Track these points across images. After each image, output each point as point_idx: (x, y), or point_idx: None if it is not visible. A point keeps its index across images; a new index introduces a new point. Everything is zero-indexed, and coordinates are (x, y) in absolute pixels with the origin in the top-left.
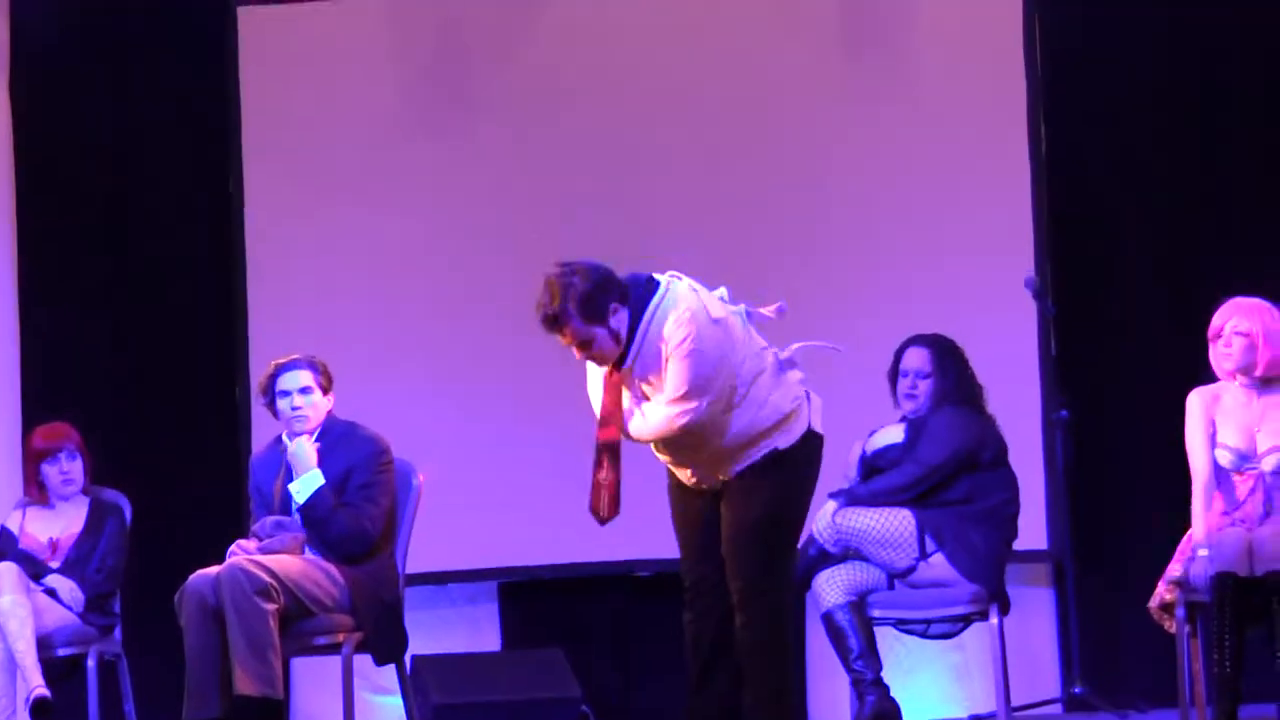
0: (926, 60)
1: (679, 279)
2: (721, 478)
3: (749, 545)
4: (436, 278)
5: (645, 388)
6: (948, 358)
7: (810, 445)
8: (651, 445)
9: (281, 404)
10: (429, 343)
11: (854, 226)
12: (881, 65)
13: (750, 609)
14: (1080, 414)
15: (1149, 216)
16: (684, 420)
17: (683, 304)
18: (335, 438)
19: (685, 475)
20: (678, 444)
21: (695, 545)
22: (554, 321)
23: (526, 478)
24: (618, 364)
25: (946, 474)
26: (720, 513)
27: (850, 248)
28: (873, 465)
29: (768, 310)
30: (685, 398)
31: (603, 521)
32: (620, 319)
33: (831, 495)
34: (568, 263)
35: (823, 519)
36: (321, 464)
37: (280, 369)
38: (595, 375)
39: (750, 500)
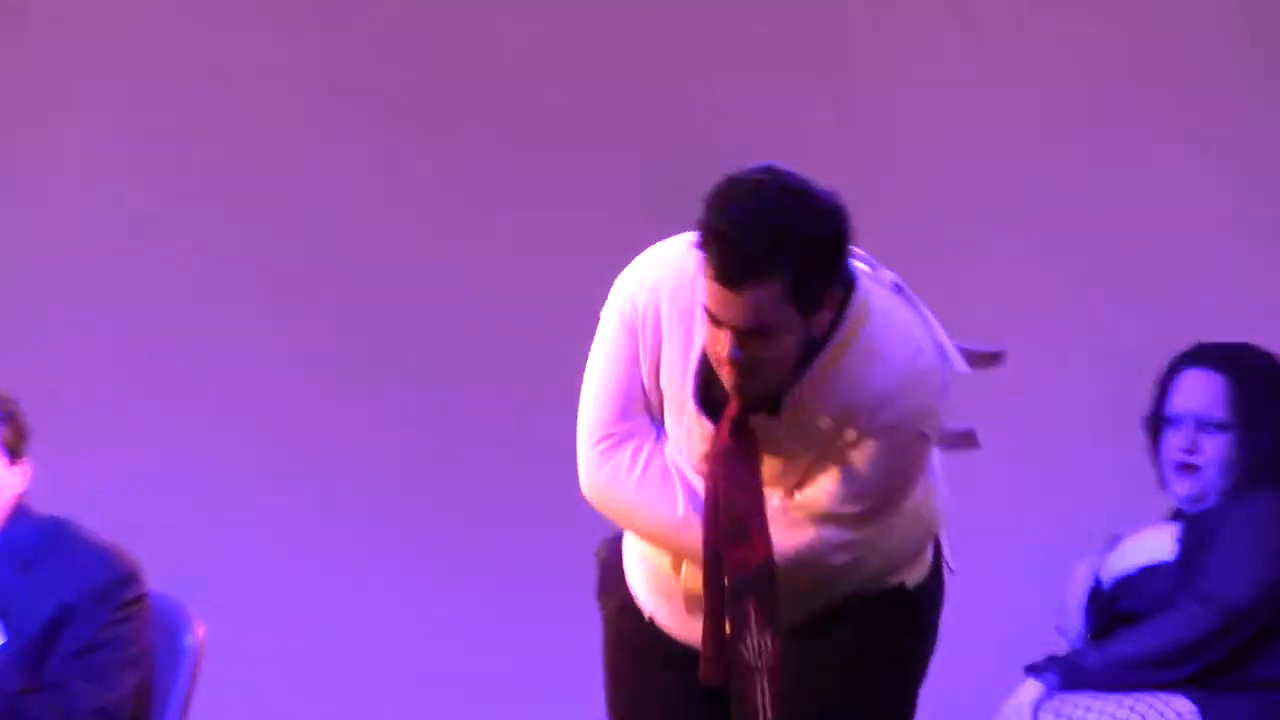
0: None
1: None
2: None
3: None
4: (211, 268)
5: (780, 462)
6: (1262, 390)
7: (941, 581)
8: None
9: None
10: (212, 365)
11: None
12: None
13: None
14: None
15: None
16: (841, 558)
17: (914, 334)
18: (28, 552)
19: (657, 606)
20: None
21: None
22: (745, 264)
23: (394, 637)
24: (758, 406)
25: (1263, 620)
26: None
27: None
28: (1115, 606)
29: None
30: (864, 517)
31: None
32: (819, 328)
33: (1032, 671)
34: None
35: (1015, 716)
36: (10, 607)
37: None
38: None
39: (841, 677)
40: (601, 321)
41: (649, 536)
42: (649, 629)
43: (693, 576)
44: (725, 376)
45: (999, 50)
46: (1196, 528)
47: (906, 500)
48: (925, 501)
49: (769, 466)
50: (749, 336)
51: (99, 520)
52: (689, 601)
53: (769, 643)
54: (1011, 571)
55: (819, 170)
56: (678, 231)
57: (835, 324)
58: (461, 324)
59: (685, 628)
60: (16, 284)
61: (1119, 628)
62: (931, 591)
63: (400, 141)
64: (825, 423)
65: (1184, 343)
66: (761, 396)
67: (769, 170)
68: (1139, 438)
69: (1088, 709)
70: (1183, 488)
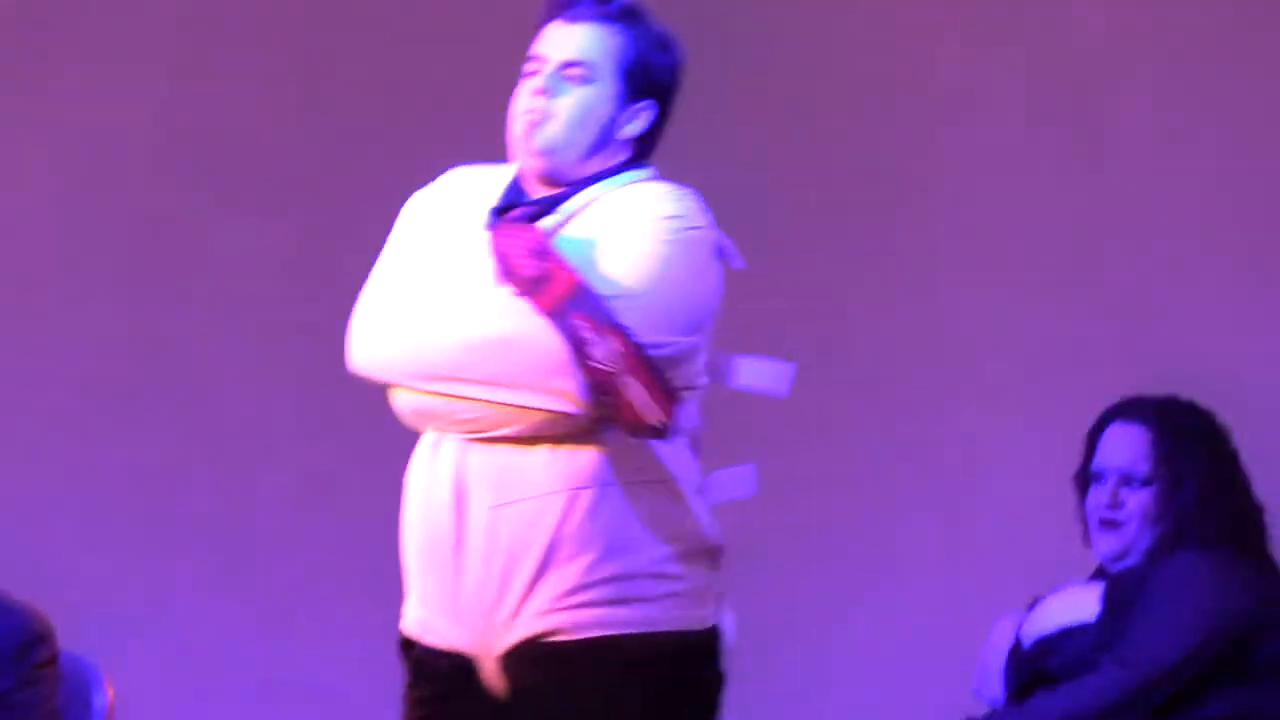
0: None
1: None
2: (506, 632)
3: None
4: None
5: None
6: (1187, 443)
7: (713, 655)
8: (427, 443)
9: None
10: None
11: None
12: None
13: None
14: None
15: None
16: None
17: (681, 190)
18: None
19: (425, 600)
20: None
21: None
22: (589, 8)
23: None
24: (535, 213)
25: (1183, 683)
26: None
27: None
28: (1037, 666)
29: (763, 370)
30: (671, 312)
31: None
32: (628, 137)
33: None
34: None
35: None
36: None
37: None
38: (417, 235)
39: None
40: None
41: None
42: (420, 678)
43: (474, 484)
44: (519, 122)
45: None
46: (1119, 587)
47: (701, 354)
48: (692, 498)
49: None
50: (562, 73)
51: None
52: (467, 532)
53: (617, 343)
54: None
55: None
56: None
57: (627, 163)
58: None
59: (459, 583)
60: None
61: (1039, 688)
62: (693, 656)
63: None
64: (593, 229)
65: None
66: (540, 148)
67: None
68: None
69: None
70: (1105, 545)
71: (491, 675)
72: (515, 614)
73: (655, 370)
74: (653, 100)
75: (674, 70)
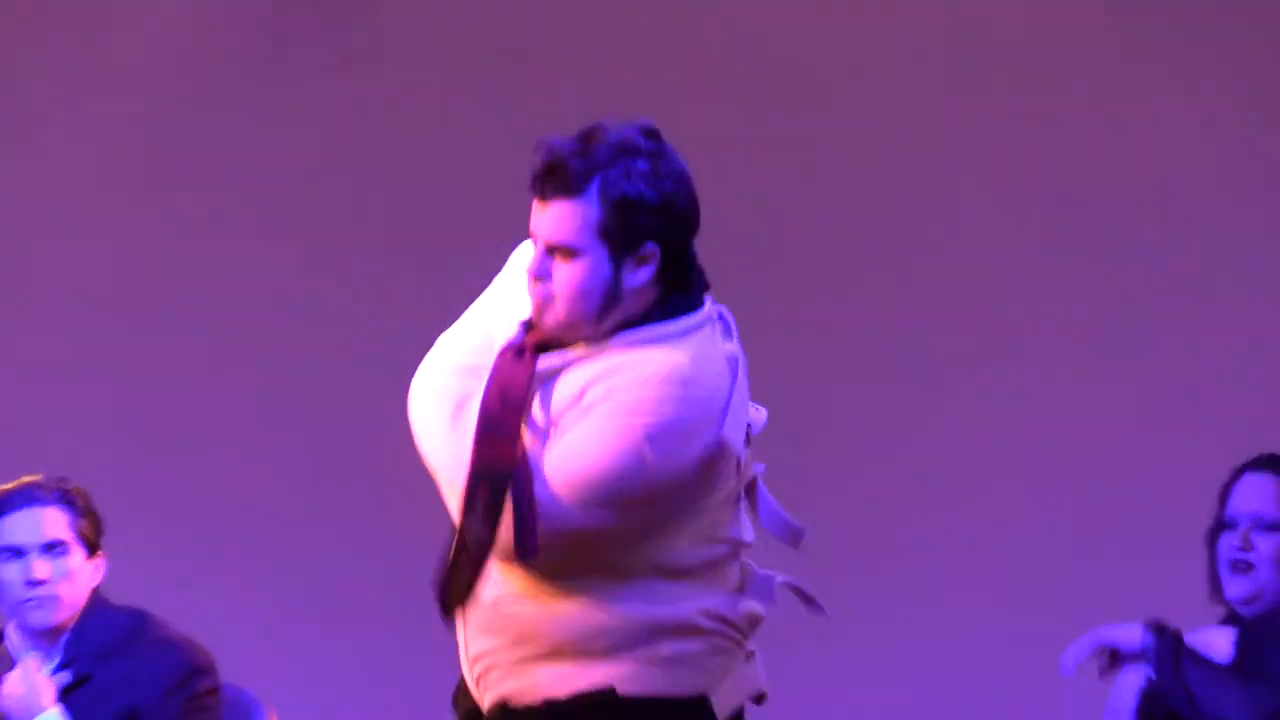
0: None
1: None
2: (481, 693)
3: None
4: (267, 324)
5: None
6: None
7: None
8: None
9: (7, 573)
10: (271, 445)
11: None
12: None
13: None
14: None
15: None
16: (572, 523)
17: (693, 347)
18: (106, 643)
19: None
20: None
21: None
22: (552, 173)
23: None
24: (543, 346)
25: None
26: None
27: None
28: (1172, 707)
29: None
30: (591, 489)
31: (449, 613)
32: (641, 285)
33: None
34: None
35: None
36: (82, 692)
37: (1, 505)
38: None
39: None
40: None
41: (425, 445)
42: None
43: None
44: (533, 304)
45: None
46: (1253, 632)
47: (662, 506)
48: (682, 593)
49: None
50: (551, 255)
51: (169, 606)
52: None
53: (487, 536)
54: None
55: None
56: None
57: (649, 319)
58: None
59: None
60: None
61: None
62: (649, 712)
63: None
64: (572, 390)
65: None
66: (555, 327)
67: (646, 129)
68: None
69: None
70: (1237, 587)
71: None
72: (481, 683)
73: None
74: (650, 241)
75: (661, 202)
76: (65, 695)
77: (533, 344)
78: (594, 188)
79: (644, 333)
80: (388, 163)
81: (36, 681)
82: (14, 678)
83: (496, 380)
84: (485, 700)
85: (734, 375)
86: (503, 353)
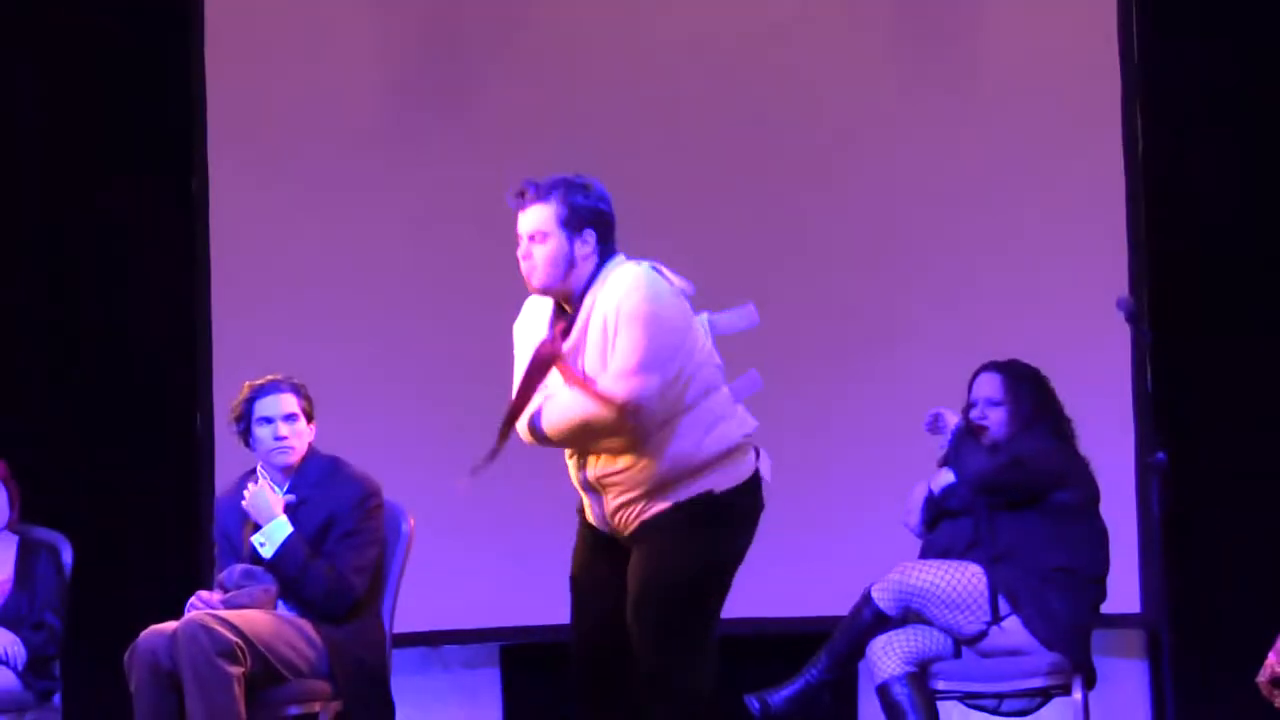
0: (999, 48)
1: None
2: (636, 519)
3: (662, 614)
4: (429, 292)
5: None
6: (1024, 384)
7: (754, 496)
8: (567, 455)
9: (261, 432)
10: (420, 365)
11: (916, 241)
12: (947, 56)
13: (661, 708)
14: (1181, 457)
15: (1266, 228)
16: (630, 396)
17: (635, 269)
18: (317, 476)
19: (590, 508)
20: (603, 444)
21: (594, 619)
22: (524, 193)
23: (534, 523)
24: (563, 333)
25: (1045, 485)
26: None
27: (909, 270)
28: (942, 506)
29: (731, 316)
30: (636, 371)
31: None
32: (588, 254)
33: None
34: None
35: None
36: (301, 507)
37: (259, 391)
38: (523, 352)
39: (667, 553)
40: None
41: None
42: (585, 535)
43: (590, 465)
44: (525, 274)
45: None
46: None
47: (674, 364)
48: (719, 424)
49: (575, 373)
50: (531, 241)
51: (349, 453)
52: (588, 493)
53: (536, 414)
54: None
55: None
56: None
57: (598, 267)
58: None
59: (594, 508)
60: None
61: (944, 520)
62: (738, 498)
63: None
64: (595, 337)
65: None
66: (539, 287)
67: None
68: None
69: (919, 571)
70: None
71: (624, 539)
72: (628, 525)
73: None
74: (589, 227)
75: (596, 202)
76: (289, 510)
77: (558, 331)
78: (555, 196)
79: (604, 273)
80: None
81: (272, 498)
82: (259, 488)
83: (557, 369)
84: (624, 531)
85: (657, 269)
86: (542, 351)
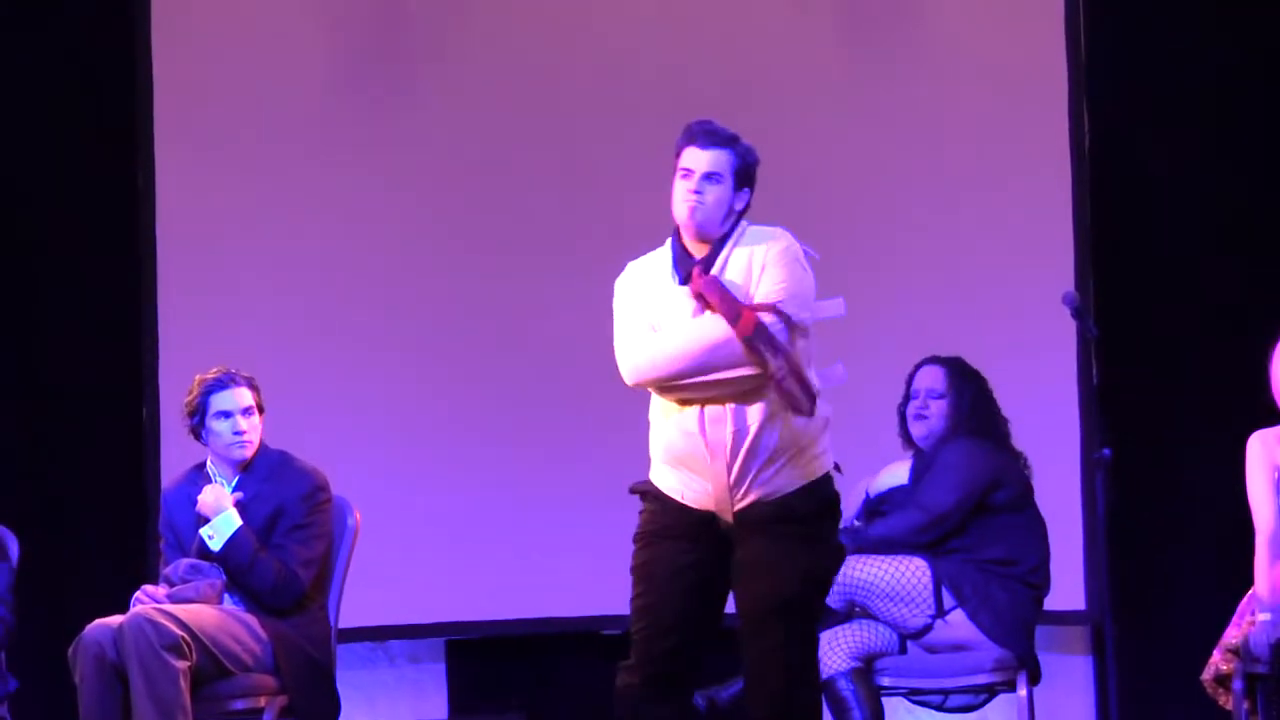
0: (946, 39)
1: None
2: (740, 501)
3: (796, 622)
4: (379, 285)
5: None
6: (964, 379)
7: (834, 488)
8: (689, 416)
9: (219, 426)
10: (367, 358)
11: (859, 237)
12: (893, 47)
13: (802, 694)
14: (1125, 453)
15: (1212, 224)
16: (777, 316)
17: (778, 229)
18: (267, 470)
19: (683, 481)
20: (726, 377)
21: (671, 615)
22: (715, 135)
23: (481, 517)
24: (704, 267)
25: (956, 522)
26: (716, 570)
27: (855, 262)
28: (876, 509)
29: (827, 305)
30: (782, 294)
31: (809, 414)
32: (739, 210)
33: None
34: None
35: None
36: (250, 501)
37: (215, 385)
38: (634, 305)
39: (798, 556)
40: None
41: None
42: (659, 520)
43: (709, 424)
44: (684, 208)
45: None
46: (921, 463)
47: (807, 320)
48: (820, 405)
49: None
50: (706, 179)
51: (296, 448)
52: (712, 449)
53: (782, 361)
54: None
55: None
56: None
57: (737, 222)
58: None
59: (709, 475)
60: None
61: (878, 519)
62: (831, 493)
63: None
64: (739, 272)
65: None
66: (698, 224)
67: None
68: None
69: (864, 566)
70: (918, 430)
71: (726, 521)
72: (744, 493)
73: (804, 378)
74: (748, 188)
75: (756, 167)
76: (239, 505)
77: (698, 267)
78: (734, 147)
79: (741, 230)
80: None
81: (221, 494)
82: (210, 489)
83: (706, 298)
84: (739, 504)
85: (789, 233)
86: (696, 282)
